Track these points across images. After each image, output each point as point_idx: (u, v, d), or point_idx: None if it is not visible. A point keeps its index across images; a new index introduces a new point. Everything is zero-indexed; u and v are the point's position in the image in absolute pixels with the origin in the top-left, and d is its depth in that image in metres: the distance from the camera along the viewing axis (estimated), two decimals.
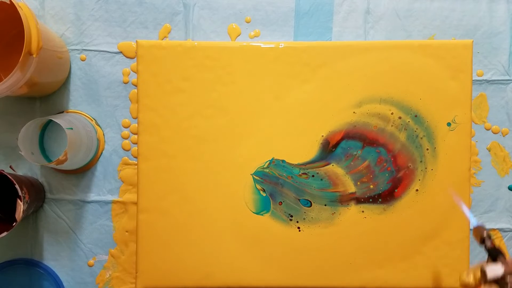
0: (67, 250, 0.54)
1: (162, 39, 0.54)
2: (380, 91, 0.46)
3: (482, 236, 0.37)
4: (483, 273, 0.35)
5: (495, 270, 0.35)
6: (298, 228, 0.46)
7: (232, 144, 0.46)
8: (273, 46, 0.46)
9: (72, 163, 0.50)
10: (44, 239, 0.54)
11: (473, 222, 0.38)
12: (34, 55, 0.44)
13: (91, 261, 0.54)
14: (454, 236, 0.46)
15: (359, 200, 0.46)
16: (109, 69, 0.54)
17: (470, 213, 0.40)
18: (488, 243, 0.37)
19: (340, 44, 0.46)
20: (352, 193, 0.46)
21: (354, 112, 0.46)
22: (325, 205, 0.46)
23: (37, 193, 0.51)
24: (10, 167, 0.54)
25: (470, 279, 0.36)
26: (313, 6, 0.55)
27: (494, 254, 0.36)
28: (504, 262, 0.35)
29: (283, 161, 0.46)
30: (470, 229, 0.39)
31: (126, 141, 0.54)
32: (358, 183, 0.46)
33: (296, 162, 0.46)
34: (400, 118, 0.46)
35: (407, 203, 0.46)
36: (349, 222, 0.46)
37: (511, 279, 0.34)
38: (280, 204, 0.46)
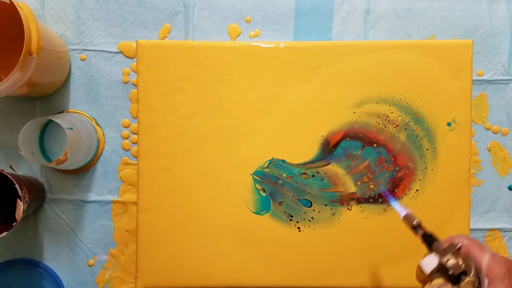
0: (67, 250, 0.54)
1: (162, 39, 0.54)
2: (380, 91, 0.46)
3: (412, 224, 0.36)
4: (421, 269, 0.34)
5: (429, 262, 0.34)
6: (298, 228, 0.46)
7: (232, 144, 0.46)
8: (273, 46, 0.46)
9: (72, 163, 0.50)
10: (44, 239, 0.54)
11: (401, 212, 0.37)
12: (34, 55, 0.44)
13: (91, 261, 0.54)
14: None
15: (359, 200, 0.46)
16: (109, 69, 0.54)
17: (397, 204, 0.39)
18: (419, 231, 0.36)
19: (340, 44, 0.46)
20: (352, 193, 0.46)
21: (354, 112, 0.46)
22: (325, 205, 0.46)
23: (37, 193, 0.51)
24: (10, 167, 0.54)
25: (419, 273, 0.35)
26: (313, 6, 0.55)
27: (429, 241, 0.35)
28: (438, 249, 0.34)
29: (283, 161, 0.46)
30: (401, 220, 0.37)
31: (126, 141, 0.54)
32: (359, 183, 0.46)
33: (296, 162, 0.46)
34: (400, 118, 0.46)
35: (407, 203, 0.46)
36: (349, 222, 0.46)
37: (449, 263, 0.33)
38: (280, 204, 0.46)
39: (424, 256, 0.35)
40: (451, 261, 0.33)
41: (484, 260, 0.32)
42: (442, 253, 0.34)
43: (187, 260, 0.46)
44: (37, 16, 0.50)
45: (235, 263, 0.46)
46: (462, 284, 0.32)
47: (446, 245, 0.34)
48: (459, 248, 0.33)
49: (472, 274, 0.32)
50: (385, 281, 0.46)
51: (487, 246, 0.34)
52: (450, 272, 0.32)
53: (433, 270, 0.33)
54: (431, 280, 0.34)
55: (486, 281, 0.32)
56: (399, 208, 0.38)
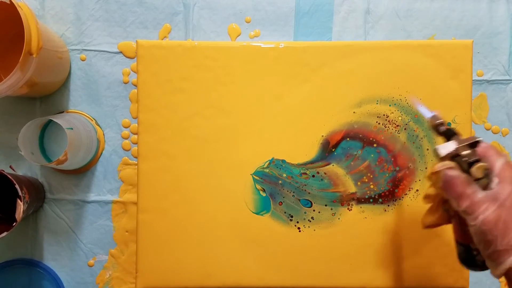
0: (67, 250, 0.54)
1: (162, 39, 0.54)
2: (380, 91, 0.46)
3: (437, 123, 0.36)
4: (436, 153, 0.34)
5: (446, 146, 0.34)
6: (298, 228, 0.46)
7: (232, 144, 0.46)
8: (273, 46, 0.46)
9: (72, 163, 0.50)
10: (44, 239, 0.54)
11: (427, 113, 0.38)
12: (34, 55, 0.44)
13: (91, 261, 0.54)
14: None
15: (359, 200, 0.46)
16: (109, 69, 0.54)
17: (423, 107, 0.39)
18: (442, 127, 0.36)
19: (340, 44, 0.46)
20: (352, 193, 0.46)
21: (354, 112, 0.46)
22: (326, 205, 0.46)
23: (37, 193, 0.51)
24: (10, 167, 0.54)
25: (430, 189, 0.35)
26: (313, 6, 0.55)
27: (449, 135, 0.35)
28: (458, 139, 0.34)
29: (283, 161, 0.46)
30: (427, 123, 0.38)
31: (126, 141, 0.54)
32: (359, 183, 0.46)
33: (296, 162, 0.46)
34: (400, 118, 0.46)
35: (408, 203, 0.46)
36: (349, 222, 0.46)
37: (466, 152, 0.33)
38: (280, 204, 0.46)
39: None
40: (467, 151, 0.33)
41: (498, 162, 0.33)
42: (460, 142, 0.34)
43: (187, 260, 0.46)
44: (37, 16, 0.50)
45: (235, 263, 0.46)
46: (474, 168, 0.32)
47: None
48: (478, 142, 0.34)
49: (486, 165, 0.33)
50: (385, 281, 0.46)
51: (505, 154, 0.34)
52: (464, 158, 0.33)
53: (448, 154, 0.34)
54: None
55: (496, 180, 0.32)
56: (424, 110, 0.39)
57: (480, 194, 0.32)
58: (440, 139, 0.36)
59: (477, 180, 0.33)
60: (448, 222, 0.37)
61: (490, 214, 0.31)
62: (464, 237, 0.35)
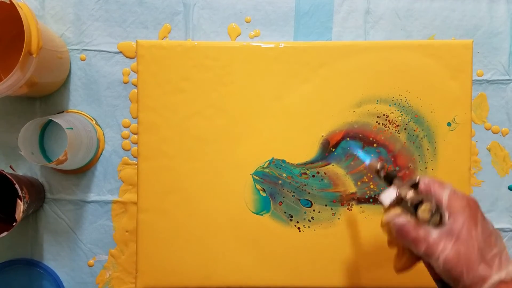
0: (67, 250, 0.54)
1: (162, 39, 0.54)
2: (380, 91, 0.46)
3: (376, 168, 0.36)
4: (381, 203, 0.34)
5: (388, 194, 0.34)
6: (298, 228, 0.46)
7: (232, 144, 0.46)
8: (273, 46, 0.46)
9: (72, 163, 0.50)
10: (44, 239, 0.54)
11: (366, 160, 0.38)
12: (34, 55, 0.44)
13: (91, 261, 0.54)
14: None
15: (359, 200, 0.46)
16: (109, 69, 0.54)
17: (361, 153, 0.39)
18: (382, 172, 0.36)
19: (340, 44, 0.46)
20: (352, 193, 0.46)
21: (354, 112, 0.46)
22: (326, 205, 0.46)
23: (37, 193, 0.51)
24: (10, 167, 0.54)
25: (382, 221, 0.35)
26: (313, 6, 0.55)
27: (390, 179, 0.35)
28: (398, 183, 0.34)
29: (283, 161, 0.46)
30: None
31: (126, 141, 0.54)
32: (359, 183, 0.46)
33: (296, 162, 0.46)
34: (400, 118, 0.46)
35: None
36: (349, 222, 0.46)
37: (408, 196, 0.33)
38: (280, 204, 0.46)
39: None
40: (409, 193, 0.33)
41: (445, 195, 0.33)
42: (401, 186, 0.34)
43: (187, 260, 0.46)
44: (37, 16, 0.50)
45: (235, 263, 0.46)
46: (420, 211, 0.32)
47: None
48: (418, 183, 0.34)
49: (431, 204, 0.32)
50: (385, 281, 0.46)
51: (449, 183, 0.34)
52: (408, 203, 0.33)
53: (392, 202, 0.34)
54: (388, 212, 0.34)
55: (447, 214, 0.32)
56: (363, 156, 0.39)
57: (434, 234, 0.31)
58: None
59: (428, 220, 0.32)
60: (418, 260, 0.36)
61: (450, 252, 0.31)
62: (437, 274, 0.34)
